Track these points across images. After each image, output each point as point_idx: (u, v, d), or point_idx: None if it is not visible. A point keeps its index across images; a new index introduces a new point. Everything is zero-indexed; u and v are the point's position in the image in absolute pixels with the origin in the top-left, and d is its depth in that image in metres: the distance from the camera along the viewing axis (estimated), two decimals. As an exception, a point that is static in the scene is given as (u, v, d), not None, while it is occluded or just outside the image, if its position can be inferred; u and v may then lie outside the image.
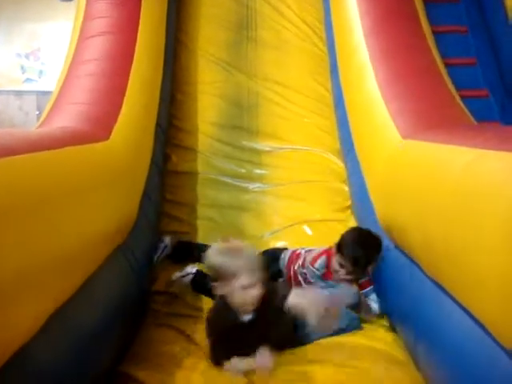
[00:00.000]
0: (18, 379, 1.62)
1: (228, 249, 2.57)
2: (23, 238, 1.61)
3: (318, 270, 3.28)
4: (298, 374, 2.49)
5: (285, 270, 3.45)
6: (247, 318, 2.58)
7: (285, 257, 3.50)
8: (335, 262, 3.21)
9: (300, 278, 3.36)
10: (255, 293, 2.51)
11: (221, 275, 2.53)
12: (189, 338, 2.93)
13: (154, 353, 2.76)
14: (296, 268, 3.39)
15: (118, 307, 2.74)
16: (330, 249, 3.31)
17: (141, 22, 4.19)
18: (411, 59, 3.91)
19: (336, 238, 3.52)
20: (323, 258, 3.30)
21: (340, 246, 3.21)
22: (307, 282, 3.32)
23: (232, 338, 2.55)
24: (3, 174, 1.60)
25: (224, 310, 2.58)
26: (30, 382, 1.69)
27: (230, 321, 2.57)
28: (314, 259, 3.33)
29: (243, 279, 2.48)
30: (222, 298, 2.58)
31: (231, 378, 2.44)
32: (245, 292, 2.50)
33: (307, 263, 3.34)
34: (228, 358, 2.52)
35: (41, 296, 1.76)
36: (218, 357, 2.57)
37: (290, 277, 3.40)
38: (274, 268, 3.39)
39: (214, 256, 2.57)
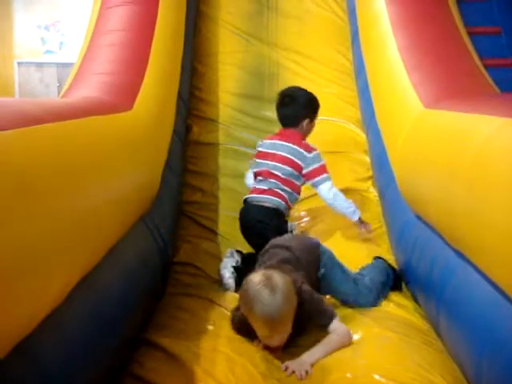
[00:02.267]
0: (46, 346, 1.65)
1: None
2: (50, 204, 1.63)
3: None
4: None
5: None
6: None
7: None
8: None
9: None
10: None
11: None
12: (212, 306, 2.94)
13: (176, 320, 2.77)
14: None
15: (141, 276, 2.77)
16: None
17: (162, -10, 4.19)
18: (433, 27, 3.89)
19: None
20: None
21: None
22: None
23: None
24: (29, 143, 1.62)
25: None
26: (57, 350, 1.71)
27: None
28: None
29: None
30: None
31: (257, 346, 2.46)
32: None
33: None
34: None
35: (68, 263, 1.79)
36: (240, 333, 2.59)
37: None
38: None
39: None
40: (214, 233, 3.83)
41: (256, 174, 3.61)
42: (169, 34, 4.05)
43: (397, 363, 2.21)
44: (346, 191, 3.95)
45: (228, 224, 3.80)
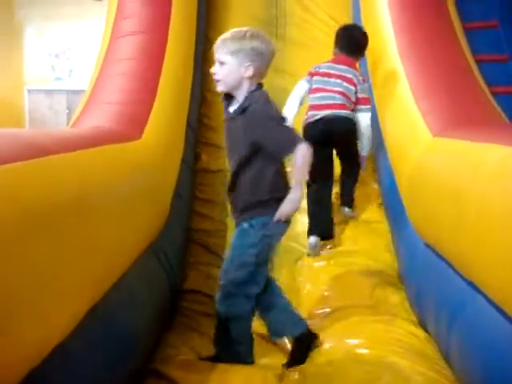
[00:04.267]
0: (56, 375, 1.65)
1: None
2: (60, 234, 1.64)
3: None
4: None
5: None
6: None
7: None
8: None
9: None
10: None
11: None
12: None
13: (186, 352, 2.77)
14: None
15: (150, 305, 2.77)
16: None
17: (172, 20, 4.22)
18: (441, 56, 3.90)
19: (367, 235, 3.54)
20: None
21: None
22: None
23: None
24: (39, 174, 1.63)
25: None
26: (66, 379, 1.71)
27: None
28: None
29: None
30: None
31: (266, 377, 2.45)
32: None
33: None
34: None
35: (78, 292, 1.79)
36: None
37: None
38: None
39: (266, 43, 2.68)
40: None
41: (319, 90, 3.93)
42: (178, 63, 4.08)
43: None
44: (356, 219, 3.96)
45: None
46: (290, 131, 2.63)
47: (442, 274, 2.65)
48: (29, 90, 13.08)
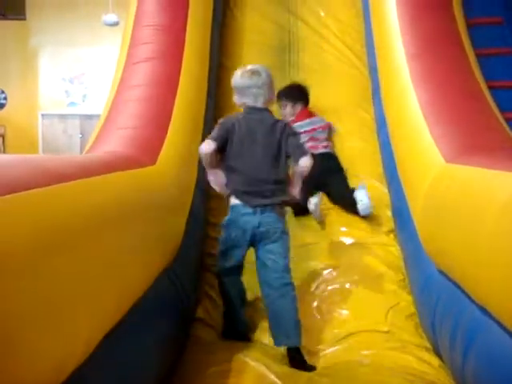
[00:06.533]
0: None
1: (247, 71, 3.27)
2: (76, 260, 1.64)
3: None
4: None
5: None
6: None
7: None
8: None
9: None
10: None
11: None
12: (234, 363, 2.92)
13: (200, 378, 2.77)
14: None
15: (164, 331, 2.77)
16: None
17: (186, 47, 4.27)
18: (454, 82, 3.91)
19: (380, 262, 3.53)
20: None
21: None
22: None
23: None
24: (54, 201, 1.65)
25: None
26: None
27: None
28: None
29: None
30: None
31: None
32: None
33: None
34: None
35: (94, 319, 1.79)
36: None
37: None
38: None
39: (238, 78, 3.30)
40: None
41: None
42: (192, 89, 4.12)
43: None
44: (368, 245, 3.95)
45: (250, 274, 3.79)
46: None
47: (456, 300, 2.63)
48: (43, 115, 13.20)
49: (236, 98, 3.36)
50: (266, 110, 3.32)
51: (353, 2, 5.56)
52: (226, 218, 3.29)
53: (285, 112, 4.56)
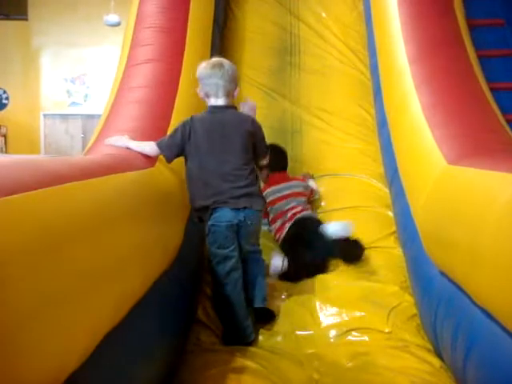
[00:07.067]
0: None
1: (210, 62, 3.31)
2: (77, 260, 1.65)
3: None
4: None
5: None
6: None
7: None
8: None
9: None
10: None
11: None
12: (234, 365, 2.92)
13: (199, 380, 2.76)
14: None
15: (164, 333, 2.77)
16: None
17: (186, 49, 4.27)
18: (456, 84, 3.90)
19: (381, 264, 3.52)
20: None
21: None
22: None
23: None
24: (56, 201, 1.64)
25: None
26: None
27: None
28: None
29: None
30: None
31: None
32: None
33: None
34: None
35: (94, 319, 1.79)
36: None
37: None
38: None
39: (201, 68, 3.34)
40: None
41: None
42: (192, 91, 4.10)
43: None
44: (369, 247, 3.95)
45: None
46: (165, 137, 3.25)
47: (458, 301, 2.63)
48: (44, 115, 13.19)
49: (198, 89, 3.37)
50: (230, 107, 3.35)
51: (354, 3, 5.56)
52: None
53: (262, 176, 4.29)
